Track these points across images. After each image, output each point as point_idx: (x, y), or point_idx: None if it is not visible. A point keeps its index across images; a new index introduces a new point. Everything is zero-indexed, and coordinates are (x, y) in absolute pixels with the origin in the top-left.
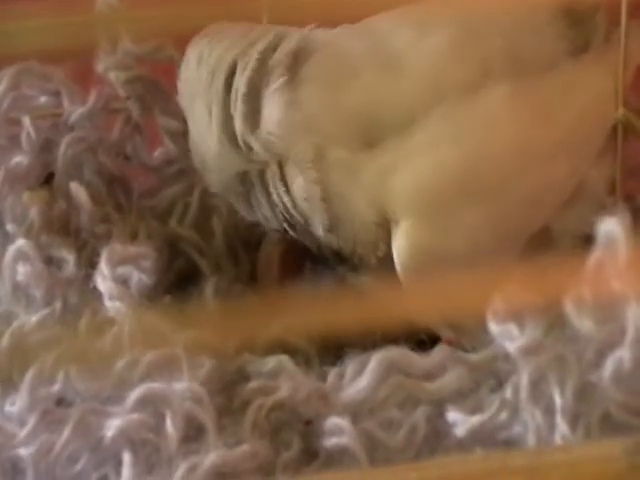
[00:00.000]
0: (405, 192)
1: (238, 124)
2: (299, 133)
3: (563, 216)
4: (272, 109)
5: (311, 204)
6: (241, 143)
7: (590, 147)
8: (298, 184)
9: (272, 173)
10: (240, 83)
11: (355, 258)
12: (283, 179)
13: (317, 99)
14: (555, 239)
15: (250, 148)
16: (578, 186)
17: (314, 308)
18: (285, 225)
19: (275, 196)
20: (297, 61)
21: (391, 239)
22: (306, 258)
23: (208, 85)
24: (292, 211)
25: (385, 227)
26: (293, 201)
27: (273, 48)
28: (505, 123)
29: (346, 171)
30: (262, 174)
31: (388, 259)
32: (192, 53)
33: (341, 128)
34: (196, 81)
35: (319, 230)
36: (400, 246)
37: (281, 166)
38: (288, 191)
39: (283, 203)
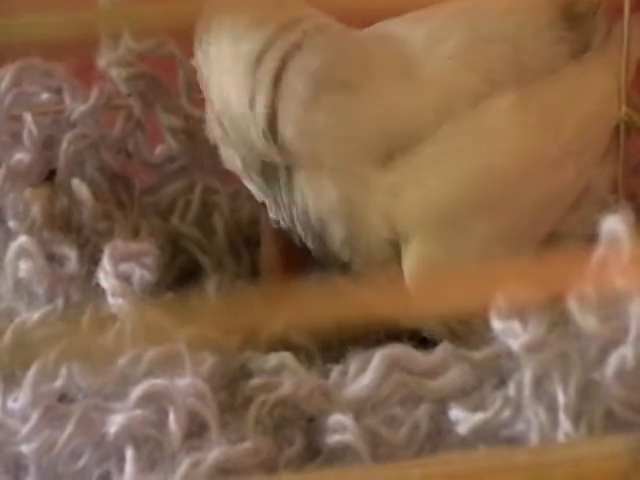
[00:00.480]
0: (413, 209)
1: (288, 128)
2: (337, 144)
3: (568, 218)
4: (317, 116)
5: (335, 215)
6: (283, 142)
7: (596, 148)
8: (328, 193)
9: (303, 175)
10: (295, 84)
11: (364, 274)
12: (313, 184)
13: (352, 111)
14: (560, 240)
15: (291, 148)
16: (583, 187)
17: (317, 304)
18: (298, 226)
19: (299, 195)
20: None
21: (401, 258)
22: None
23: (252, 68)
24: (312, 216)
25: (397, 245)
26: (318, 207)
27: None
28: (511, 133)
29: (365, 186)
30: (290, 170)
31: (399, 280)
32: (224, 25)
33: (369, 140)
34: (231, 57)
35: (335, 241)
36: (410, 264)
37: (314, 171)
38: (315, 197)
39: (305, 205)
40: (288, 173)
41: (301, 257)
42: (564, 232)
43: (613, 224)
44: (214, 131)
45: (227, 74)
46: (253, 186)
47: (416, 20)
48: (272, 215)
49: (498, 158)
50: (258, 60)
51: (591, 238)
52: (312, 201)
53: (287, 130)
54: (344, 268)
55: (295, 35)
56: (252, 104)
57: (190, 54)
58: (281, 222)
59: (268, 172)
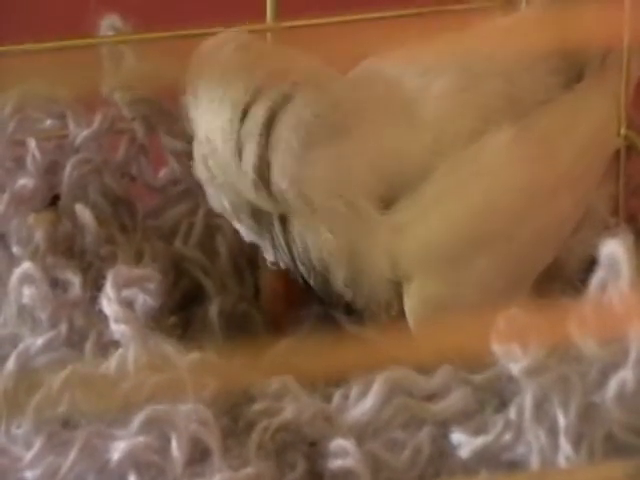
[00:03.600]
0: (415, 248)
1: (282, 179)
2: (333, 190)
3: (568, 243)
4: (312, 166)
5: (335, 258)
6: (275, 191)
7: (594, 175)
8: (326, 236)
9: (299, 222)
10: (288, 136)
11: (366, 313)
12: (310, 227)
13: (347, 158)
14: (561, 264)
15: (283, 197)
16: (583, 212)
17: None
18: (300, 265)
19: (297, 238)
20: (322, 117)
21: (403, 298)
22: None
23: (238, 117)
24: (313, 257)
25: (399, 285)
26: (317, 249)
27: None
28: (508, 168)
29: (366, 227)
30: (284, 218)
31: (400, 318)
32: (215, 68)
33: (366, 181)
34: (218, 102)
35: (338, 282)
36: (412, 303)
37: (309, 217)
38: (314, 239)
39: (305, 246)
40: (283, 222)
41: (302, 294)
42: (566, 256)
43: (613, 247)
44: (200, 172)
45: (214, 119)
46: (244, 228)
47: (407, 58)
48: (268, 256)
49: (496, 193)
50: (245, 110)
51: (591, 260)
52: (311, 243)
53: (281, 181)
54: (347, 307)
55: (285, 85)
56: (240, 153)
57: None
58: (280, 263)
59: (259, 216)
